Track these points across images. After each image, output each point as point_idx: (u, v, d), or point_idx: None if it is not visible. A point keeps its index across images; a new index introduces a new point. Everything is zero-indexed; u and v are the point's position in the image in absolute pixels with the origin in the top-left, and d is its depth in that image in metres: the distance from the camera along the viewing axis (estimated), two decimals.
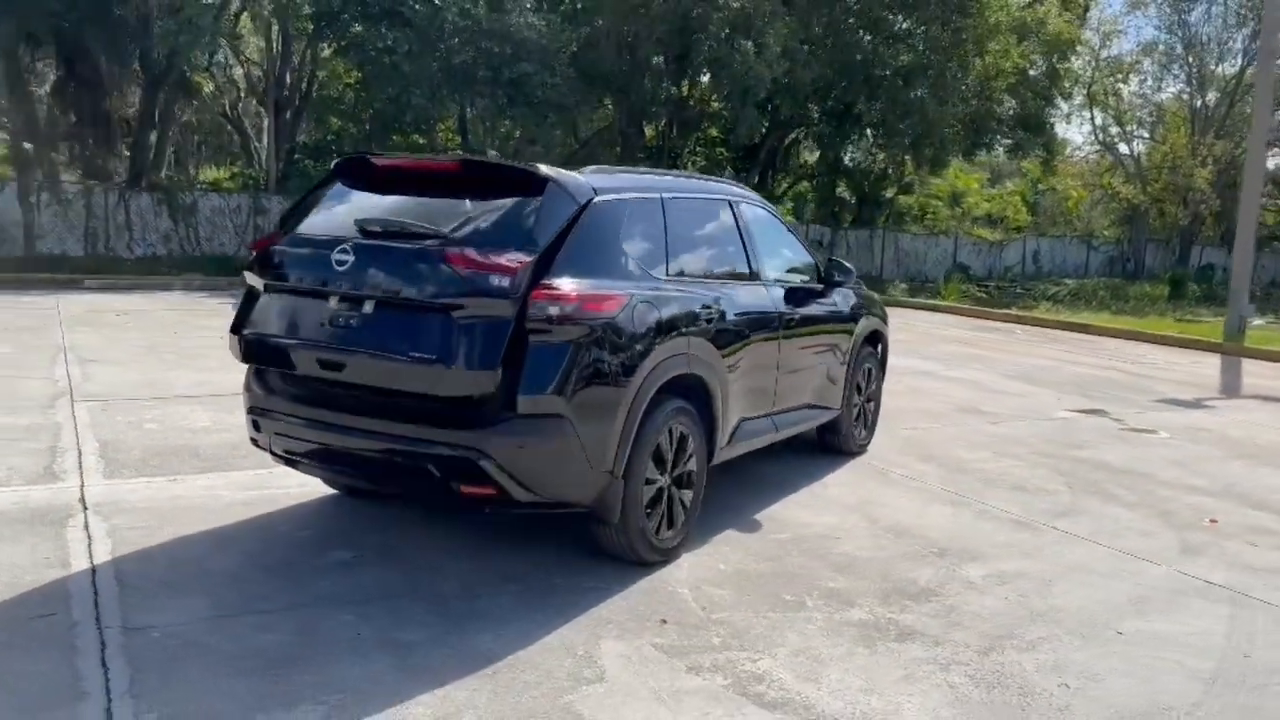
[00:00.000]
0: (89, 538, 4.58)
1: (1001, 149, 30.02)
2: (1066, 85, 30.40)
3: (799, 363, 5.92)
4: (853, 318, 6.64)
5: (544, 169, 4.33)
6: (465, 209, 4.24)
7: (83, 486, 5.31)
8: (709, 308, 4.89)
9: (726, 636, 3.93)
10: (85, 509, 4.96)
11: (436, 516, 5.12)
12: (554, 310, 4.00)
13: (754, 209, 5.88)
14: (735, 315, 5.17)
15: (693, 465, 4.83)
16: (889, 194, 31.88)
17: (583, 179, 4.47)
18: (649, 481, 4.49)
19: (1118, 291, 27.24)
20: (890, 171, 30.25)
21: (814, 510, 5.65)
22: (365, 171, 4.60)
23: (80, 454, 5.93)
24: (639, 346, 4.32)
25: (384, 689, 3.34)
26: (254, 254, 4.59)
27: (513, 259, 3.95)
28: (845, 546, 5.09)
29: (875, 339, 7.14)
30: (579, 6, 20.78)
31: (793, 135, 28.51)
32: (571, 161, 24.04)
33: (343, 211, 4.50)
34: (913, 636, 4.04)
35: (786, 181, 31.12)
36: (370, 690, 3.33)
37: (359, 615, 3.92)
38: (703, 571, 4.61)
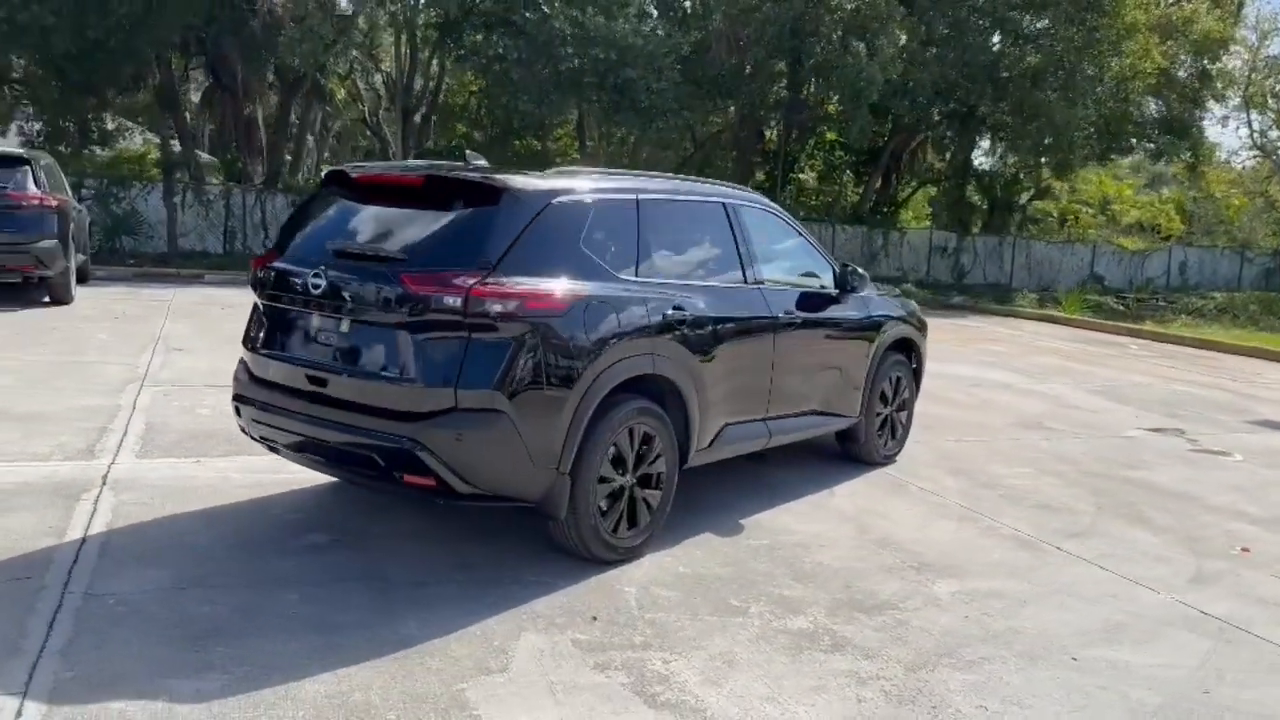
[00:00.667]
0: (94, 510, 4.93)
1: (1143, 153, 28.50)
2: (1219, 87, 28.64)
3: (800, 368, 5.85)
4: (873, 325, 6.50)
5: (499, 177, 4.44)
6: (429, 221, 4.39)
7: (111, 464, 5.71)
8: (681, 309, 4.89)
9: (650, 636, 3.95)
10: (104, 485, 5.34)
11: (429, 506, 5.25)
12: (496, 307, 4.10)
13: (755, 213, 5.85)
14: (718, 318, 5.15)
15: (661, 466, 4.84)
16: (1022, 199, 30.73)
17: (542, 183, 4.56)
18: (604, 480, 4.54)
19: (1271, 306, 25.41)
20: (1022, 176, 29.16)
21: (806, 518, 5.57)
22: (348, 183, 4.80)
23: (125, 435, 6.37)
24: (589, 345, 4.37)
25: (292, 665, 3.50)
26: (254, 272, 4.86)
27: (462, 278, 4.08)
28: (820, 556, 5.00)
29: (905, 347, 6.96)
30: (690, 11, 20.87)
31: (919, 138, 27.82)
32: (685, 166, 24.17)
33: (325, 228, 4.73)
34: (845, 648, 3.96)
35: (911, 185, 30.37)
36: (278, 666, 3.49)
37: (304, 596, 4.10)
38: (659, 572, 4.63)
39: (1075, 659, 4.00)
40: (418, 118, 23.89)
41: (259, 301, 4.84)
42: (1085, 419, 9.15)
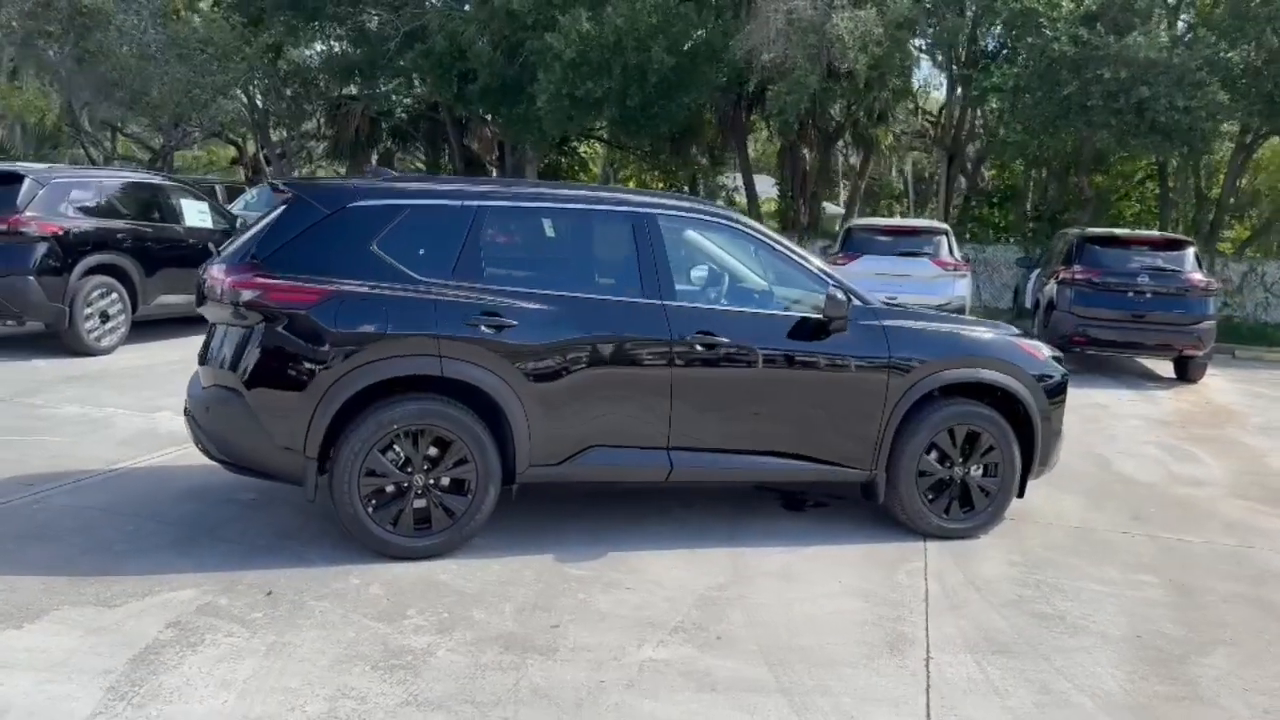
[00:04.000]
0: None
1: None
2: None
3: (734, 400, 5.20)
4: (892, 363, 5.37)
5: (303, 183, 4.96)
6: (260, 222, 5.08)
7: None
8: (496, 315, 4.84)
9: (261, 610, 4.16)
10: None
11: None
12: (245, 297, 4.70)
13: (690, 228, 5.39)
14: (569, 331, 4.95)
15: (467, 473, 4.86)
16: None
17: (344, 189, 4.97)
18: (373, 474, 4.74)
19: None
20: None
21: (678, 563, 4.97)
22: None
23: None
24: (341, 338, 4.66)
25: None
26: None
27: (231, 272, 4.75)
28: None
29: (983, 394, 5.57)
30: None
31: None
32: None
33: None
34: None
35: None
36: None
37: (130, 544, 4.90)
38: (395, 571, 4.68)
39: None
40: (965, 160, 23.18)
41: None
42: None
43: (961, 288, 12.48)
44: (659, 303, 5.13)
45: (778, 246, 5.55)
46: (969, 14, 18.95)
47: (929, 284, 12.36)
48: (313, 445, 4.70)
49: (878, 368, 5.40)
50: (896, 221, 14.67)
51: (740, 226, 5.54)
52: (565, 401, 4.97)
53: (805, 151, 24.25)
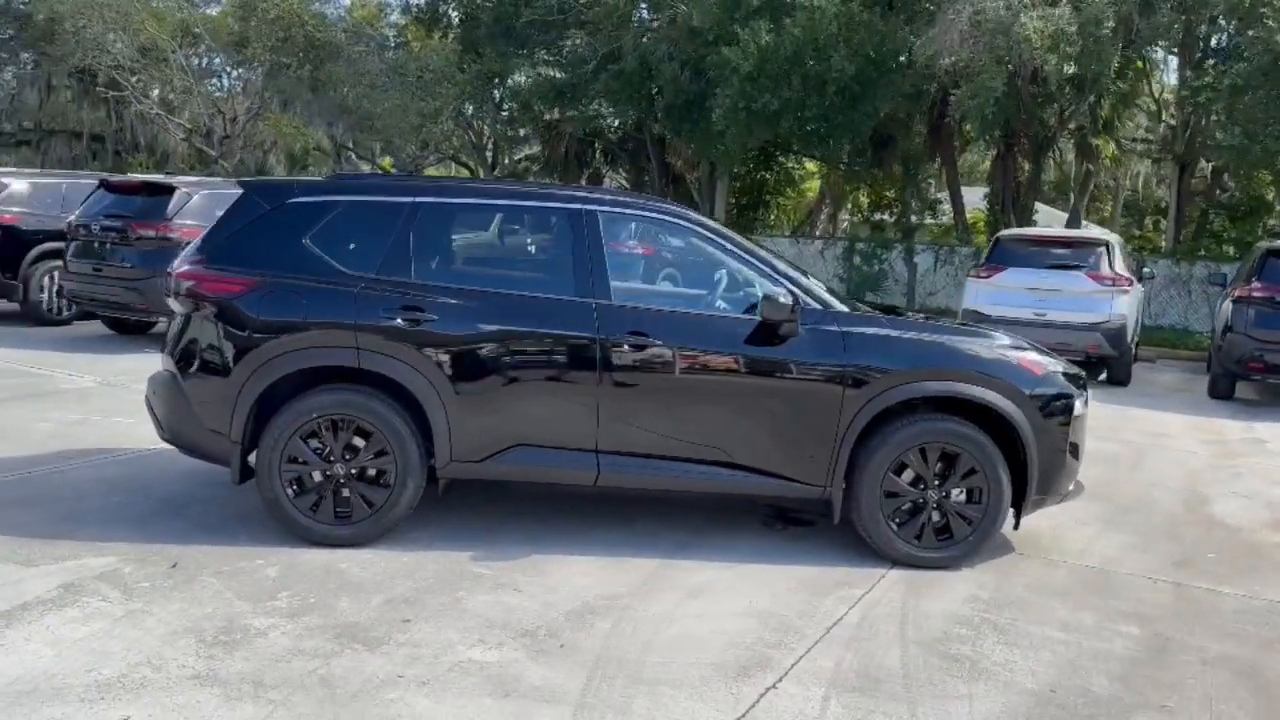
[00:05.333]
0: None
1: None
2: None
3: (676, 404, 4.98)
4: (847, 372, 4.93)
5: (252, 180, 5.20)
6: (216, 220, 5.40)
7: None
8: (417, 309, 4.88)
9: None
10: None
11: None
12: (184, 286, 5.03)
13: (634, 225, 5.17)
14: (490, 326, 4.93)
15: (387, 465, 4.92)
16: None
17: (286, 185, 5.18)
18: (294, 461, 4.90)
19: None
20: None
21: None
22: None
23: None
24: (262, 328, 4.87)
25: None
26: None
27: (181, 264, 5.08)
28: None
29: (967, 411, 5.02)
30: None
31: None
32: None
33: None
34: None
35: None
36: None
37: (100, 515, 5.26)
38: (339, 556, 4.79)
39: None
40: (1198, 170, 20.96)
41: None
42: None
43: (1122, 305, 11.22)
44: (590, 301, 4.98)
45: (730, 246, 5.25)
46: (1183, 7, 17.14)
47: (1082, 300, 11.22)
48: (237, 429, 4.91)
49: (830, 377, 4.97)
50: (1053, 231, 13.41)
51: (690, 224, 5.30)
52: (487, 398, 4.93)
53: (1021, 161, 22.78)
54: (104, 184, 11.00)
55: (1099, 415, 9.81)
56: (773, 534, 5.54)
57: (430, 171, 36.80)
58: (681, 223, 5.34)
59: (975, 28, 16.78)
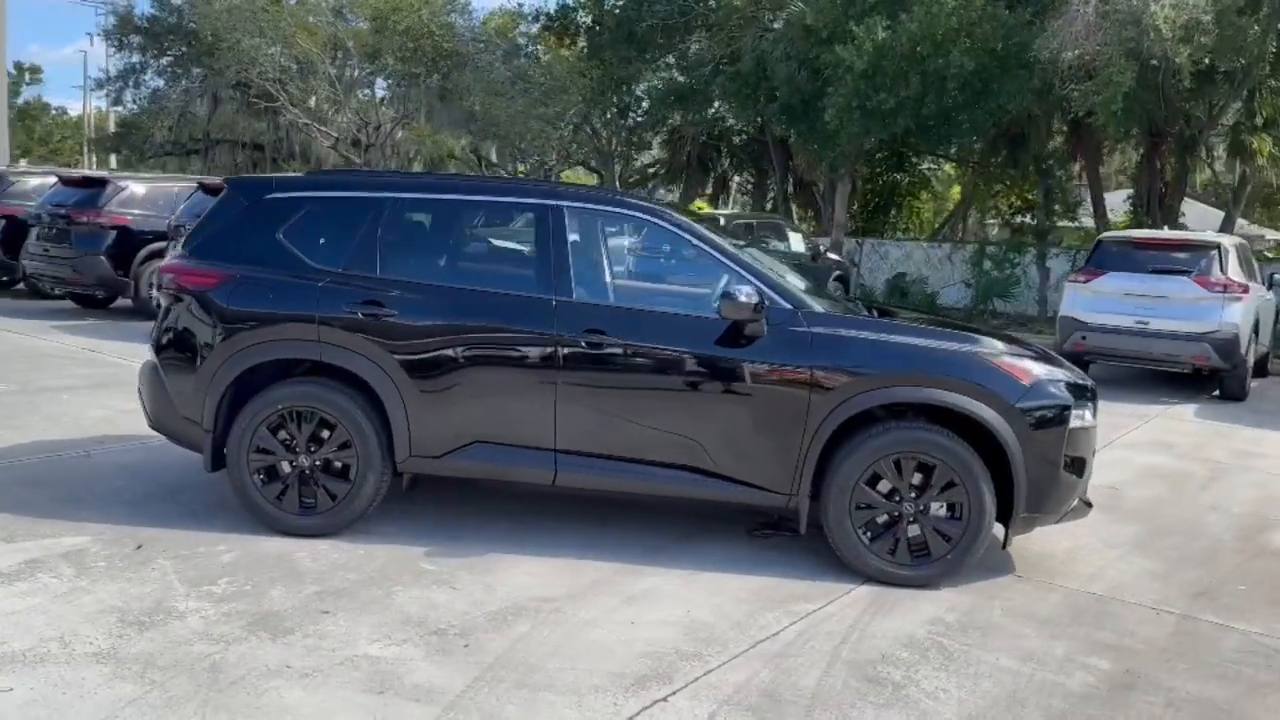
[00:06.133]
0: None
1: None
2: None
3: (635, 404, 4.86)
4: (814, 376, 4.67)
5: (234, 178, 5.34)
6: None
7: None
8: (378, 305, 4.90)
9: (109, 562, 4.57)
10: None
11: None
12: (167, 280, 5.19)
13: (601, 222, 5.05)
14: (448, 322, 4.92)
15: (349, 458, 4.97)
16: None
17: (264, 182, 5.28)
18: (262, 451, 5.00)
19: None
20: None
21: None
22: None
23: None
24: (230, 320, 4.99)
25: None
26: None
27: (171, 260, 5.28)
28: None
29: (950, 420, 4.69)
30: None
31: None
32: None
33: None
34: None
35: None
36: None
37: (101, 498, 5.51)
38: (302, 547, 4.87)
39: None
40: None
41: None
42: None
43: (1234, 313, 10.27)
44: (549, 298, 4.89)
45: (702, 244, 5.05)
46: None
47: (1189, 307, 10.35)
48: (209, 418, 5.05)
49: (795, 380, 4.72)
50: (1160, 234, 12.37)
51: (661, 221, 5.14)
52: (446, 394, 4.91)
53: (1169, 159, 21.31)
54: (202, 186, 11.62)
55: (1185, 431, 9.11)
56: (753, 543, 5.31)
57: (566, 176, 37.46)
58: (651, 219, 5.19)
59: (1102, 18, 15.80)
